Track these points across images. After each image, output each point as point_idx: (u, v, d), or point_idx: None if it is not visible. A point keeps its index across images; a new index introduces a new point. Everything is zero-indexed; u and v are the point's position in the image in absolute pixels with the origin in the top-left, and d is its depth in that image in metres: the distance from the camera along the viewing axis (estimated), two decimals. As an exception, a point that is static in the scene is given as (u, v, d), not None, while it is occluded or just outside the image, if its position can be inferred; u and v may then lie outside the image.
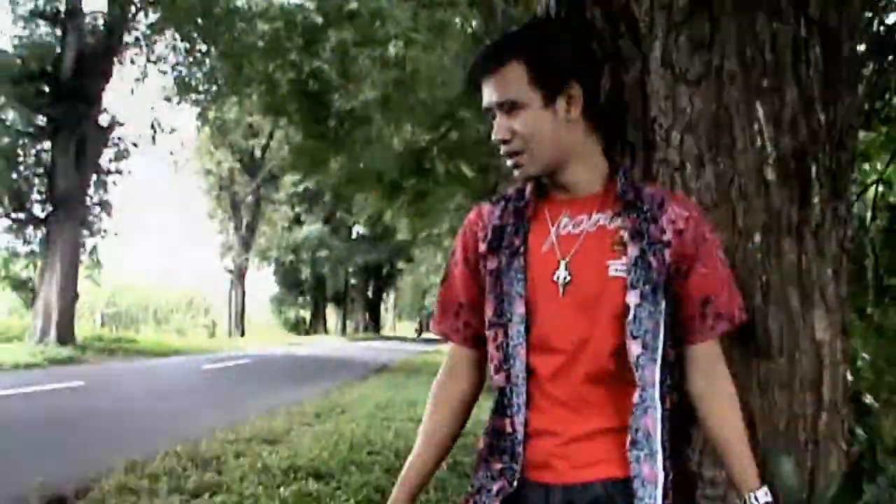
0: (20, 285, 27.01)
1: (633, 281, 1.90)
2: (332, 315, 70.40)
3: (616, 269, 1.93)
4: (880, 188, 6.72)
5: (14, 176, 25.73)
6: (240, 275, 46.91)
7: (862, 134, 6.65)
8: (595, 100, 2.03)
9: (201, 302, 55.78)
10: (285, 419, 11.42)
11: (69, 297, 25.50)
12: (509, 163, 2.01)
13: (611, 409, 1.95)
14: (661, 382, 1.93)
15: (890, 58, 5.85)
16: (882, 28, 5.95)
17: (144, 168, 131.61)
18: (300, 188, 47.77)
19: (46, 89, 24.61)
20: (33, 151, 26.40)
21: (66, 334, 24.95)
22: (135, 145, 28.22)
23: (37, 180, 26.31)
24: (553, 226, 2.02)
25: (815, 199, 2.31)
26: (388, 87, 21.05)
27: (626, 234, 1.94)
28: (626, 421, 1.91)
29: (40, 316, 24.91)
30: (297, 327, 60.14)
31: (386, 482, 7.05)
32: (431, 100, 19.21)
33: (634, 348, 1.89)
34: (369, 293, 74.95)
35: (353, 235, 60.52)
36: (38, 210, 26.49)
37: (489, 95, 1.99)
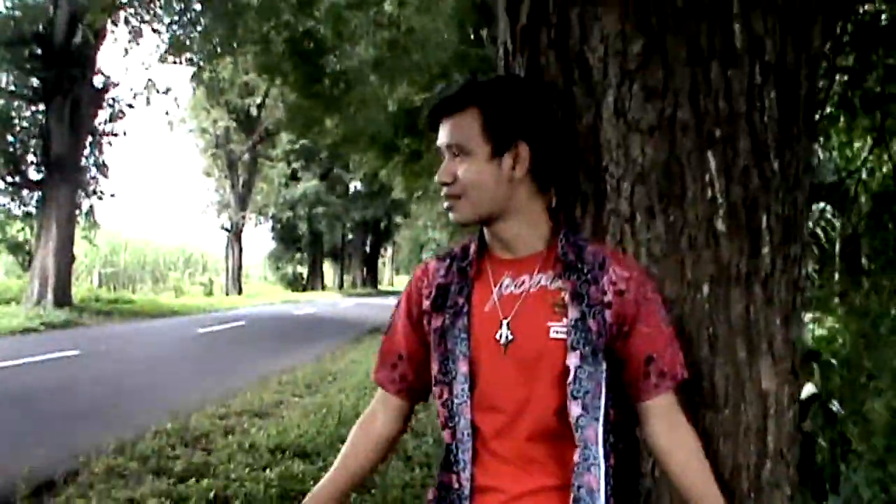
0: (16, 248, 26.98)
1: (573, 343, 1.93)
2: (329, 270, 70.38)
3: (556, 332, 1.95)
4: (864, 175, 6.77)
5: (9, 139, 25.67)
6: (237, 232, 46.82)
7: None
8: (543, 162, 2.03)
9: (198, 259, 55.71)
10: (276, 391, 11.52)
11: (66, 259, 25.52)
12: (446, 205, 2.03)
13: (555, 466, 1.98)
14: (605, 441, 1.96)
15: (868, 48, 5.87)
16: (862, 17, 5.96)
17: (139, 128, 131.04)
18: (297, 145, 47.67)
19: (39, 52, 24.45)
20: (28, 114, 26.29)
21: (62, 297, 25.01)
22: (130, 106, 28.07)
23: (32, 143, 26.21)
24: (496, 286, 2.04)
25: (766, 250, 2.31)
26: (383, 48, 20.97)
27: (566, 296, 1.96)
28: (570, 479, 1.94)
29: (37, 278, 24.95)
30: (294, 283, 60.08)
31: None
32: (425, 61, 19.12)
33: (575, 409, 1.92)
34: (367, 248, 74.85)
35: (351, 191, 60.33)
36: (33, 173, 26.47)
37: (443, 136, 2.02)
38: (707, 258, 2.28)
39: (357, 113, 22.33)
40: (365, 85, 21.80)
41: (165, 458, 7.44)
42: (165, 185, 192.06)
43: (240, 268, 46.86)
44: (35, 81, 25.44)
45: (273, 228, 60.74)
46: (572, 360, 1.92)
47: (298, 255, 63.06)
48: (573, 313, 1.94)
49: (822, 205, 11.16)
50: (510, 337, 1.98)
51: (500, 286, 2.03)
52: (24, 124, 26.26)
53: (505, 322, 1.99)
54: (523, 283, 2.02)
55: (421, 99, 20.20)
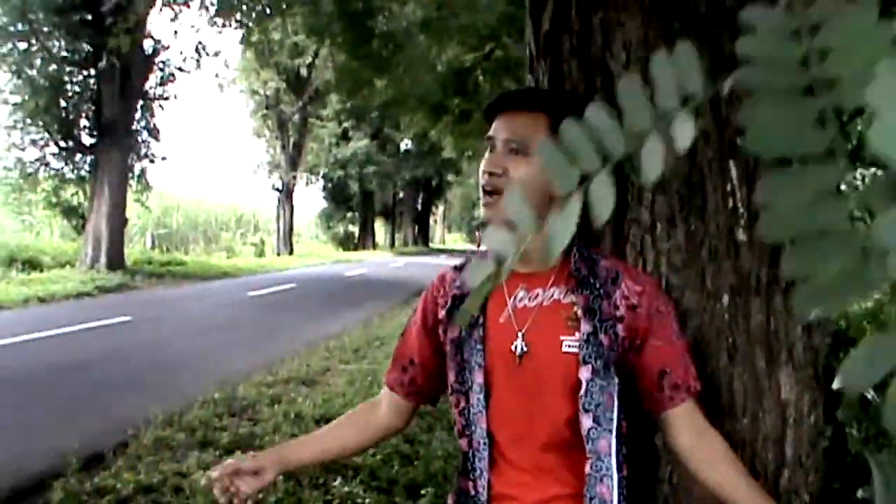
0: (70, 211, 27.27)
1: (585, 357, 1.96)
2: (380, 229, 70.55)
3: (569, 345, 1.99)
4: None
5: (61, 104, 25.87)
6: (288, 193, 46.94)
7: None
8: None
9: (250, 219, 55.96)
10: (323, 357, 11.62)
11: (118, 223, 25.78)
12: (486, 199, 2.03)
13: (569, 475, 2.02)
14: (618, 452, 2.01)
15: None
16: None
17: (190, 90, 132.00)
18: (347, 105, 47.61)
19: (90, 17, 24.59)
20: (79, 80, 26.49)
21: (115, 259, 25.29)
22: (180, 70, 28.18)
23: (84, 108, 26.44)
24: (510, 298, 2.07)
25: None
26: (430, 9, 20.91)
27: (579, 311, 1.99)
28: (584, 488, 1.98)
29: (90, 242, 25.22)
30: (345, 242, 60.32)
31: (414, 434, 7.23)
32: (473, 23, 19.04)
33: (586, 421, 1.96)
34: (418, 206, 74.90)
35: (401, 150, 60.27)
36: (86, 137, 26.70)
37: (502, 130, 2.02)
38: (727, 268, 2.29)
39: (405, 74, 22.35)
40: (413, 46, 21.79)
41: (212, 430, 7.53)
42: (216, 146, 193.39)
43: (291, 228, 47.00)
44: (86, 47, 25.63)
45: (324, 188, 60.87)
46: (584, 373, 1.96)
47: (350, 214, 63.22)
48: (585, 328, 1.98)
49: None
50: (525, 349, 2.02)
51: (515, 298, 2.07)
52: (76, 89, 26.44)
53: (520, 334, 2.03)
54: (537, 296, 2.06)
55: (471, 59, 20.17)
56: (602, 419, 1.97)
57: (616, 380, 2.00)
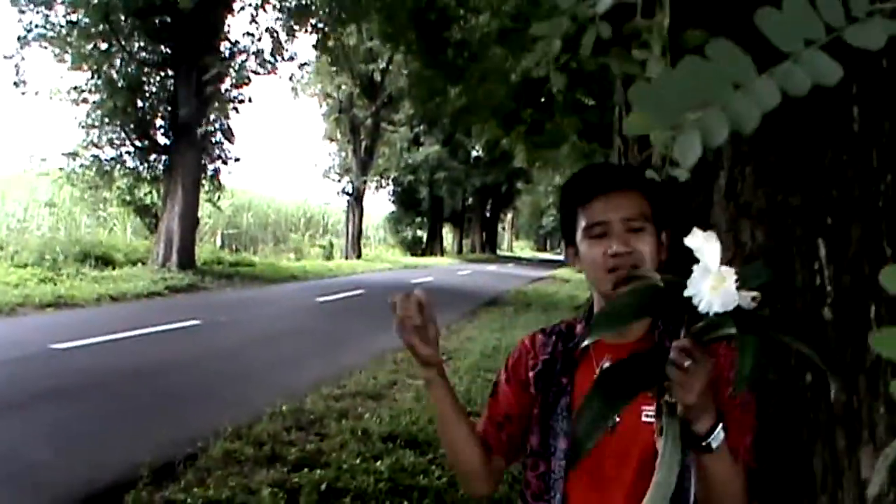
0: (144, 210, 27.67)
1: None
2: (448, 235, 70.66)
3: (647, 415, 2.01)
4: None
5: (139, 105, 26.33)
6: (357, 197, 47.15)
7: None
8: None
9: (319, 220, 56.27)
10: (391, 370, 11.65)
11: (190, 223, 26.14)
12: (614, 277, 2.01)
13: None
14: None
15: None
16: None
17: (265, 93, 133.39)
18: (419, 110, 47.76)
19: (168, 20, 24.96)
20: (156, 81, 26.91)
21: (186, 259, 25.66)
22: (255, 73, 28.47)
23: (160, 109, 26.87)
24: (598, 367, 2.09)
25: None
26: (505, 20, 20.93)
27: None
28: None
29: (162, 241, 25.60)
30: (413, 247, 60.51)
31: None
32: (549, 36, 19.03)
33: None
34: (486, 213, 74.97)
35: (472, 157, 60.29)
36: (161, 138, 27.15)
37: (617, 210, 2.05)
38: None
39: (479, 84, 22.39)
40: (488, 57, 21.82)
41: (280, 444, 7.60)
42: (288, 149, 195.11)
43: (360, 232, 47.22)
44: (164, 49, 26.06)
45: (394, 192, 61.11)
46: (660, 443, 1.95)
47: (418, 219, 63.39)
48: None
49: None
50: (617, 418, 2.01)
51: (602, 368, 2.07)
52: (153, 90, 26.88)
53: None
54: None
55: (546, 71, 20.15)
56: (677, 488, 1.97)
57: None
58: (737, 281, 1.50)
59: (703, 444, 1.80)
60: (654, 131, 1.10)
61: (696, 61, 0.88)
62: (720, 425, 1.80)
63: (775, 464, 2.21)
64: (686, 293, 1.52)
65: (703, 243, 1.58)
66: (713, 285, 1.50)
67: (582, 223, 2.09)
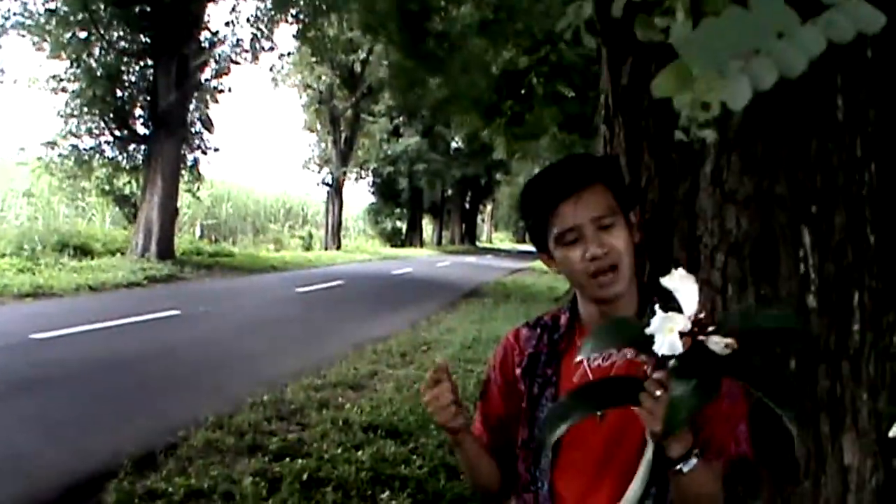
0: (122, 200, 27.55)
1: None
2: (427, 226, 70.60)
3: None
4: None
5: (118, 94, 26.26)
6: (337, 188, 47.03)
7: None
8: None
9: (298, 211, 56.09)
10: (371, 360, 11.66)
11: (169, 213, 26.01)
12: (601, 280, 2.02)
13: None
14: None
15: None
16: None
17: (244, 83, 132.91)
18: (399, 101, 47.68)
19: (149, 10, 24.83)
20: (136, 70, 26.79)
21: (165, 249, 25.55)
22: (235, 63, 28.35)
23: (139, 98, 26.78)
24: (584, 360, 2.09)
25: (856, 326, 2.29)
26: (487, 12, 20.95)
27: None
28: None
29: (141, 231, 25.48)
30: (393, 238, 60.45)
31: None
32: (529, 28, 19.05)
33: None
34: (466, 204, 74.97)
35: (452, 148, 60.24)
36: (140, 128, 27.07)
37: (580, 214, 2.02)
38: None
39: (460, 75, 22.39)
40: (469, 48, 21.83)
41: (261, 434, 7.60)
42: (268, 140, 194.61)
43: (339, 223, 47.10)
44: (144, 39, 25.94)
45: (373, 183, 60.99)
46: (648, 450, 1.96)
47: (398, 211, 63.31)
48: None
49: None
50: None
51: (589, 358, 2.07)
52: (133, 80, 26.77)
53: None
54: (611, 355, 2.07)
55: (526, 62, 20.15)
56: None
57: None
58: (715, 328, 1.60)
59: (676, 468, 1.81)
60: (680, 94, 1.11)
61: (740, 11, 0.89)
62: (694, 452, 1.80)
63: (759, 450, 2.23)
64: (647, 331, 1.60)
65: (680, 284, 1.62)
66: (670, 328, 1.57)
67: (553, 231, 2.06)
